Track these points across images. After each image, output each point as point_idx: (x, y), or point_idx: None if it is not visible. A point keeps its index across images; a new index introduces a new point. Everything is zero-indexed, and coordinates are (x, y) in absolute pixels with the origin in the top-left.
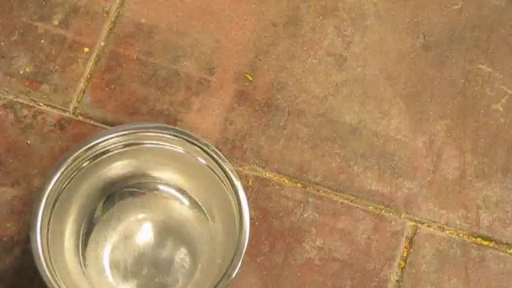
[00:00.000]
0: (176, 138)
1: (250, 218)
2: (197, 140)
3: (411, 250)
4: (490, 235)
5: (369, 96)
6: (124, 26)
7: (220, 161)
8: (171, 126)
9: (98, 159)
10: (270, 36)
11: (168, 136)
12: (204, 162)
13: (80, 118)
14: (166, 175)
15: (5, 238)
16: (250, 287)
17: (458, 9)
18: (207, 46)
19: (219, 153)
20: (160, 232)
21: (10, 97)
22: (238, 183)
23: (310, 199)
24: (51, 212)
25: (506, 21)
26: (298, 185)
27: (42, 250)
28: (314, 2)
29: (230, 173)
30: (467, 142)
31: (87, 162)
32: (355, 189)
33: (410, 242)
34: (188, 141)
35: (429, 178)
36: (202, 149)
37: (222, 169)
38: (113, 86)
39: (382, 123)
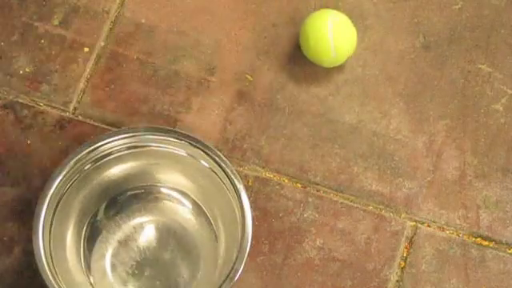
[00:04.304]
0: (179, 141)
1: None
2: (200, 143)
3: (411, 250)
4: (490, 235)
5: (369, 96)
6: (124, 26)
7: (223, 164)
8: (174, 129)
9: (101, 162)
10: (270, 36)
11: (171, 139)
12: (207, 165)
13: (80, 117)
14: (169, 178)
15: (5, 238)
16: (250, 287)
17: (457, 9)
18: (207, 46)
19: (222, 156)
20: (162, 235)
21: (10, 97)
22: (240, 187)
23: (310, 199)
24: (53, 214)
25: (506, 21)
26: (298, 185)
27: (44, 253)
28: (313, 2)
29: (232, 176)
30: (467, 141)
31: (89, 165)
32: (355, 189)
33: (410, 242)
34: (191, 144)
35: (429, 178)
36: (205, 152)
37: (225, 172)
38: (113, 86)
39: (382, 123)
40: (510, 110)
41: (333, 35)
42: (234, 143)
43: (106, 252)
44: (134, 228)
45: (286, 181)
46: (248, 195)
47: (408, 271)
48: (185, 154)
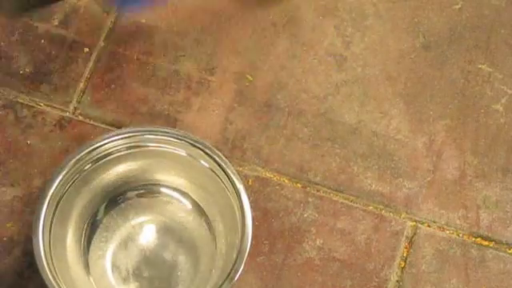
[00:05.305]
0: (179, 141)
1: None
2: (200, 143)
3: (411, 250)
4: (490, 235)
5: (369, 96)
6: (124, 26)
7: (223, 164)
8: (174, 129)
9: (100, 162)
10: (270, 36)
11: (171, 139)
12: (207, 165)
13: (80, 117)
14: (169, 178)
15: (5, 238)
16: (250, 287)
17: (457, 9)
18: (207, 46)
19: (222, 156)
20: (162, 235)
21: (10, 97)
22: (240, 187)
23: (310, 199)
24: (53, 214)
25: (506, 21)
26: (298, 185)
27: (44, 253)
28: (314, 2)
29: (232, 176)
30: (467, 141)
31: (89, 165)
32: (355, 189)
33: (410, 242)
34: (191, 144)
35: (429, 178)
36: (205, 152)
37: (225, 172)
38: (113, 85)
39: (382, 123)
40: (510, 109)
41: None
42: (234, 143)
43: (106, 252)
44: (134, 228)
45: (286, 181)
46: (248, 195)
47: (408, 271)
48: (185, 154)
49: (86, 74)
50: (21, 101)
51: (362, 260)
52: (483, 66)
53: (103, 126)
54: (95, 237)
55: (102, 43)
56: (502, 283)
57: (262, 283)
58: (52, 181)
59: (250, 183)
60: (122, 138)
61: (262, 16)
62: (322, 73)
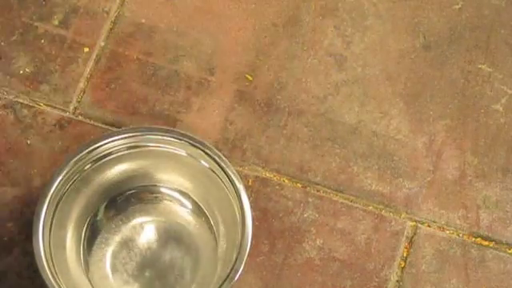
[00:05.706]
0: (179, 141)
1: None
2: (200, 143)
3: (411, 250)
4: (490, 235)
5: (369, 96)
6: (124, 25)
7: (223, 164)
8: (174, 129)
9: (101, 162)
10: (270, 36)
11: (171, 139)
12: (207, 165)
13: (80, 117)
14: (169, 178)
15: (5, 238)
16: (250, 287)
17: (457, 9)
18: (207, 46)
19: (222, 156)
20: (162, 235)
21: (10, 97)
22: (240, 187)
23: (310, 199)
24: (53, 214)
25: (506, 21)
26: (298, 185)
27: (44, 253)
28: (314, 2)
29: (232, 176)
30: (467, 141)
31: (89, 165)
32: (355, 189)
33: (410, 242)
34: (191, 144)
35: (429, 178)
36: (205, 152)
37: (225, 172)
38: (113, 85)
39: (382, 123)
40: (510, 109)
41: None
42: (234, 143)
43: (106, 252)
44: (134, 228)
45: (286, 181)
46: (248, 195)
47: (408, 271)
48: (185, 154)
49: (86, 74)
50: (21, 101)
51: (362, 260)
52: (483, 66)
53: (103, 126)
54: (95, 237)
55: (101, 43)
56: (502, 283)
57: (262, 283)
58: (52, 181)
59: (249, 183)
60: (122, 138)
61: (262, 16)
62: (322, 73)
